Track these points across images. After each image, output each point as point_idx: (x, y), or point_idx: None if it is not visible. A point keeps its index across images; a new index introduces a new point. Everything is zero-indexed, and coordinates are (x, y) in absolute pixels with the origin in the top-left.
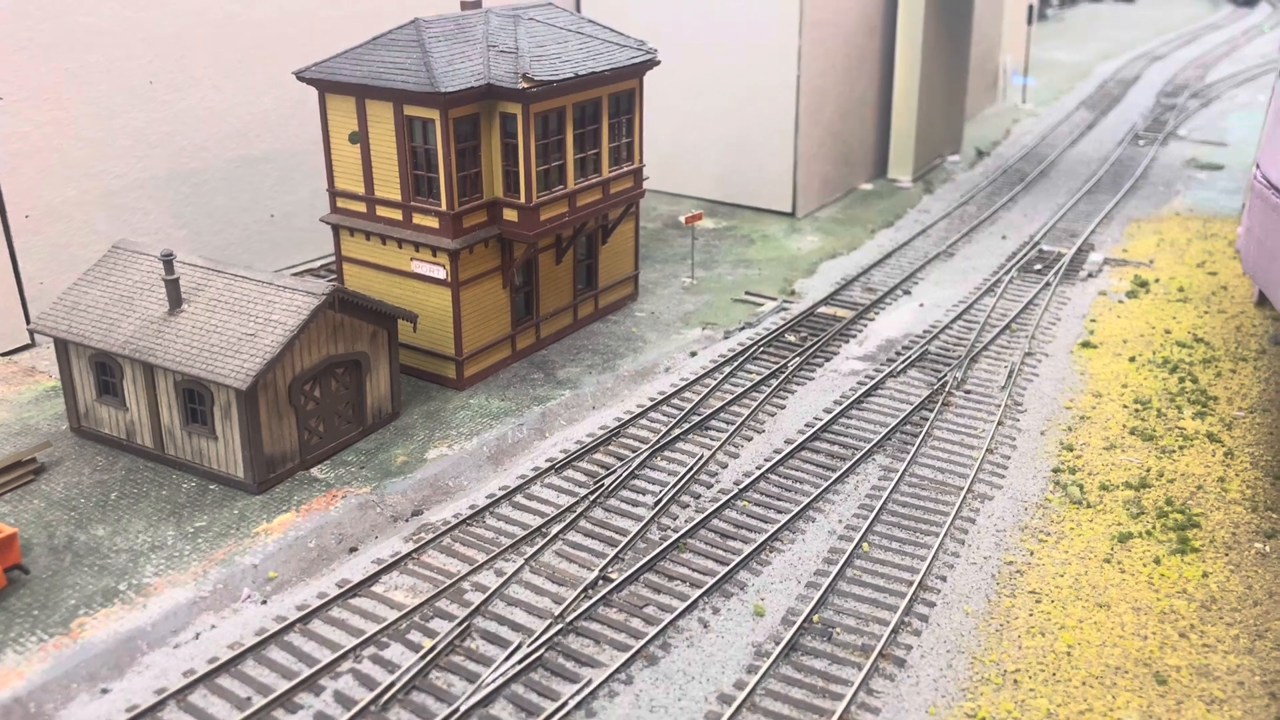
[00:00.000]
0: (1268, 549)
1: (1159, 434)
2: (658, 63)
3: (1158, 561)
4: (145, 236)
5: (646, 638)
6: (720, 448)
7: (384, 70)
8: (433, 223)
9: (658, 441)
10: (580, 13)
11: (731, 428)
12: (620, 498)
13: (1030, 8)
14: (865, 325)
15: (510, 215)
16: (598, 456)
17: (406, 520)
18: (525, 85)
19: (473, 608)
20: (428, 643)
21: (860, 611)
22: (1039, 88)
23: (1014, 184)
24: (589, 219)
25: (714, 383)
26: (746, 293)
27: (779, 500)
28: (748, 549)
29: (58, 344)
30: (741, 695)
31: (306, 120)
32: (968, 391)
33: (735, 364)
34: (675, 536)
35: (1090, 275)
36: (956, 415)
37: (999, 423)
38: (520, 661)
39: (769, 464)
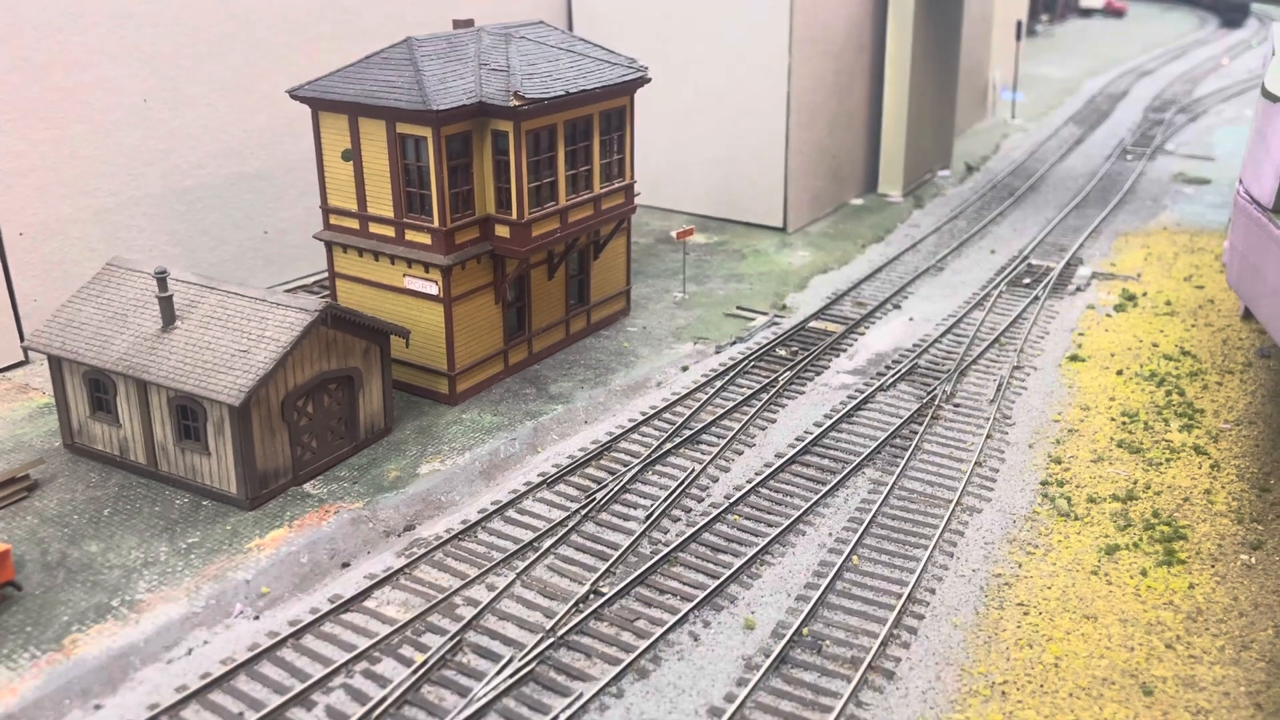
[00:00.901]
0: (1253, 561)
1: (1146, 447)
2: (648, 80)
3: (1144, 573)
4: (139, 253)
5: (637, 651)
6: (711, 462)
7: (377, 88)
8: (425, 239)
9: (649, 456)
10: (571, 31)
11: (722, 442)
12: (612, 512)
13: (1019, 23)
14: (855, 339)
15: (502, 231)
16: (589, 471)
17: (399, 535)
18: (517, 103)
19: (464, 622)
20: (420, 657)
21: (850, 624)
22: (1028, 103)
23: (1003, 199)
24: (581, 235)
25: (705, 397)
26: (738, 307)
27: (769, 514)
28: (738, 562)
29: (51, 361)
30: (731, 708)
31: (300, 138)
32: (957, 405)
33: (726, 378)
34: (666, 550)
35: (1078, 289)
36: (945, 429)
37: (987, 436)
38: (512, 675)
39: (759, 478)
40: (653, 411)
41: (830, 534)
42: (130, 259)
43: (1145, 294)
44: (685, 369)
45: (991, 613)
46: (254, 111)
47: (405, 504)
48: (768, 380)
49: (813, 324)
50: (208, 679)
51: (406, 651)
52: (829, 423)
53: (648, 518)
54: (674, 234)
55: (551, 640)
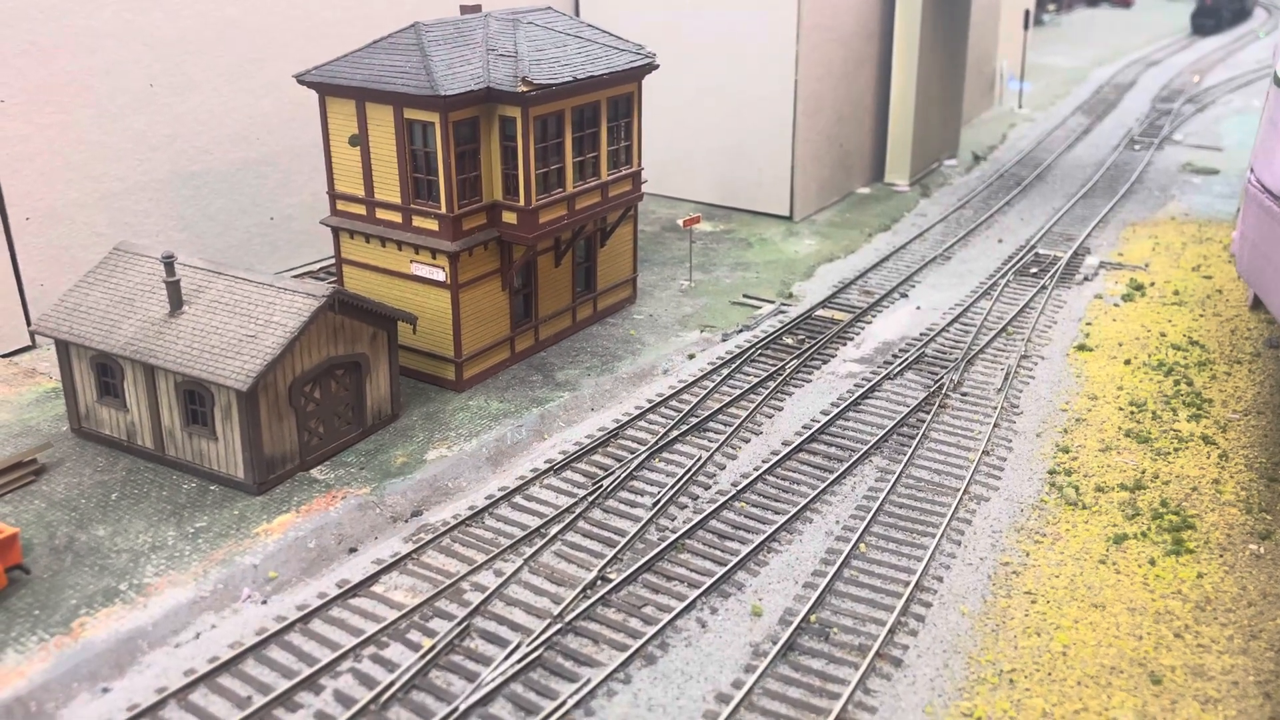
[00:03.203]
0: (1262, 550)
1: (1154, 436)
2: (656, 67)
3: (1153, 562)
4: (146, 238)
5: (645, 637)
6: (718, 449)
7: (384, 73)
8: (432, 225)
9: (656, 443)
10: (578, 17)
11: (729, 429)
12: (619, 498)
13: (1027, 13)
14: (862, 328)
15: (509, 218)
16: (596, 458)
17: (406, 521)
18: (524, 89)
19: (472, 607)
20: (427, 642)
21: (857, 612)
22: (1035, 92)
23: (1010, 188)
24: (588, 222)
25: (712, 385)
26: (744, 295)
27: (777, 501)
28: (746, 549)
29: (59, 345)
30: (739, 694)
31: (307, 123)
32: (964, 394)
33: (733, 366)
34: (674, 537)
35: (1086, 279)
36: (953, 417)
37: (995, 425)
38: (519, 661)
39: (767, 465)
40: (659, 399)
41: (838, 521)
42: (137, 244)
43: (1153, 284)
44: (692, 357)
45: (999, 601)
46: (260, 96)
47: (412, 490)
48: (775, 368)
49: (819, 312)
50: (215, 663)
51: (414, 637)
52: (836, 411)
53: (655, 504)
54: (680, 222)
55: (559, 626)
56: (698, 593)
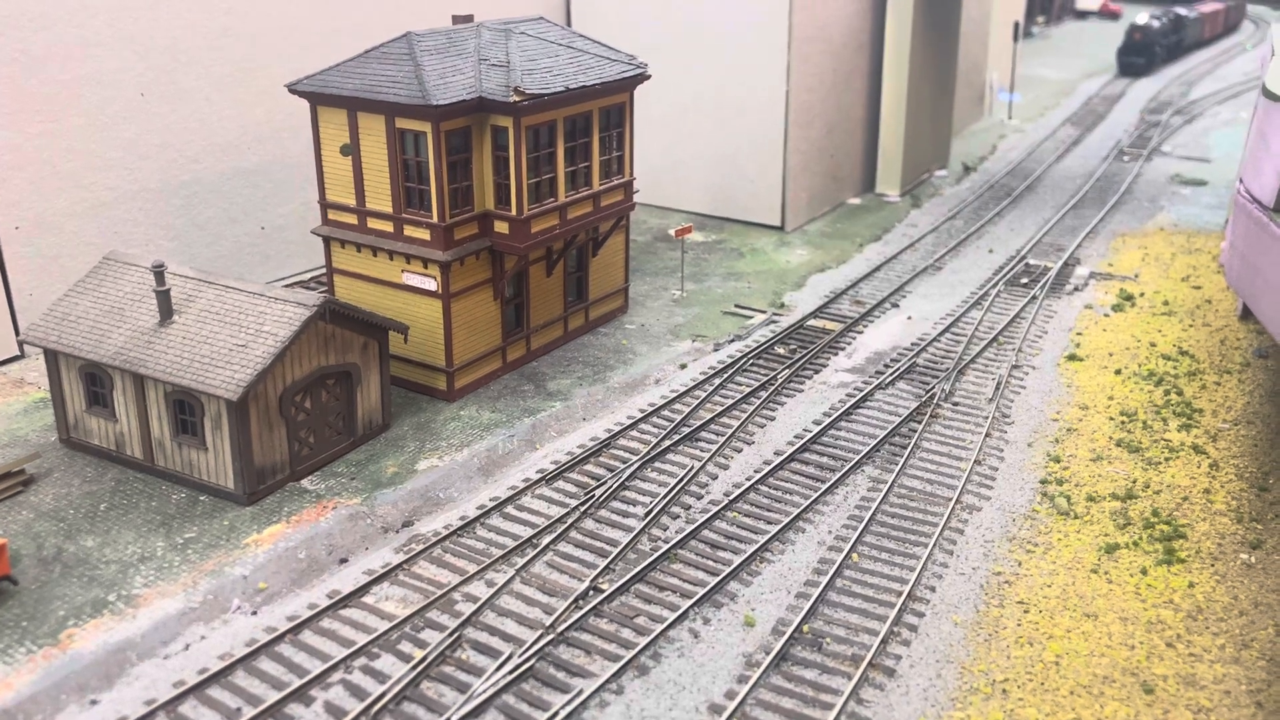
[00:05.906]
0: (1253, 559)
1: (1145, 446)
2: (648, 77)
3: (1144, 572)
4: (136, 248)
5: (637, 648)
6: (710, 459)
7: (376, 83)
8: (424, 235)
9: (648, 453)
10: (571, 27)
11: (721, 439)
12: (611, 509)
13: (1016, 25)
14: (854, 338)
15: (501, 227)
16: (588, 468)
17: (397, 531)
18: (517, 99)
19: (463, 618)
20: (418, 653)
21: (850, 621)
22: (1025, 104)
23: (1000, 199)
24: (579, 232)
25: (704, 394)
26: (736, 305)
27: (769, 511)
28: (738, 560)
29: (47, 355)
30: (732, 705)
31: (298, 133)
32: (955, 404)
33: (725, 376)
34: (666, 547)
35: (1076, 289)
36: (944, 427)
37: (986, 434)
38: (511, 672)
39: (759, 475)
40: (651, 409)
41: (830, 531)
42: (127, 253)
43: (1143, 294)
44: (684, 366)
45: (992, 610)
46: (252, 106)
47: (403, 500)
48: (766, 378)
49: (811, 322)
50: (205, 674)
51: (405, 647)
52: (828, 420)
53: (647, 514)
54: (672, 232)
55: (551, 637)
56: (690, 603)
